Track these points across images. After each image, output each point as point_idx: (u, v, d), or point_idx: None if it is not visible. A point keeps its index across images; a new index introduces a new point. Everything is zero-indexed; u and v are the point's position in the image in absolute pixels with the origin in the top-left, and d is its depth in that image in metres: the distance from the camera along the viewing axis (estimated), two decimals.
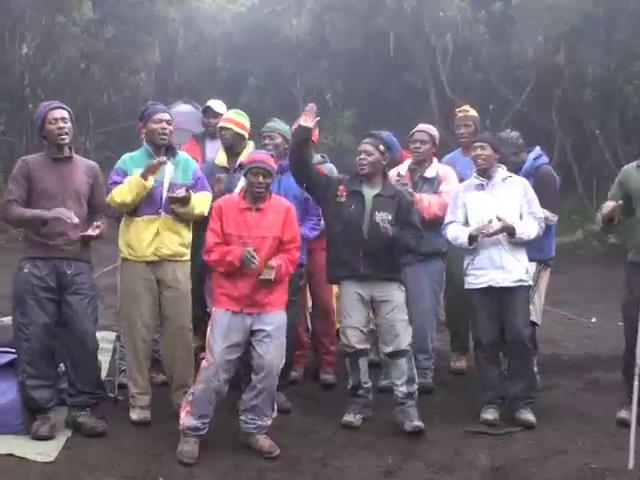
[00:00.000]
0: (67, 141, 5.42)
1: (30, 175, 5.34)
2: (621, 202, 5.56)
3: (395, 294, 5.77)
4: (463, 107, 7.25)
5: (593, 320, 8.82)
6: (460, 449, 5.39)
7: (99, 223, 5.40)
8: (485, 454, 5.30)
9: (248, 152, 6.30)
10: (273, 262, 5.19)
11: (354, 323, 5.75)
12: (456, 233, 5.95)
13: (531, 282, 5.98)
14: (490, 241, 5.83)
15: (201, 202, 5.64)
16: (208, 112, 6.95)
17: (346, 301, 5.80)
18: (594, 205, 13.53)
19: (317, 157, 6.73)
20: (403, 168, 6.51)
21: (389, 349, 5.74)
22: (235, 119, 6.46)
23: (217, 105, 6.95)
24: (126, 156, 5.78)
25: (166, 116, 5.69)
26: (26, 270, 5.32)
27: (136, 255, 5.61)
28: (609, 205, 5.60)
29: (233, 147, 6.34)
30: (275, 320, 5.26)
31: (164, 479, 4.86)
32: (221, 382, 5.14)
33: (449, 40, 14.34)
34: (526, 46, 13.53)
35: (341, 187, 5.79)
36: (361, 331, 5.77)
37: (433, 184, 6.41)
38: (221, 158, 6.39)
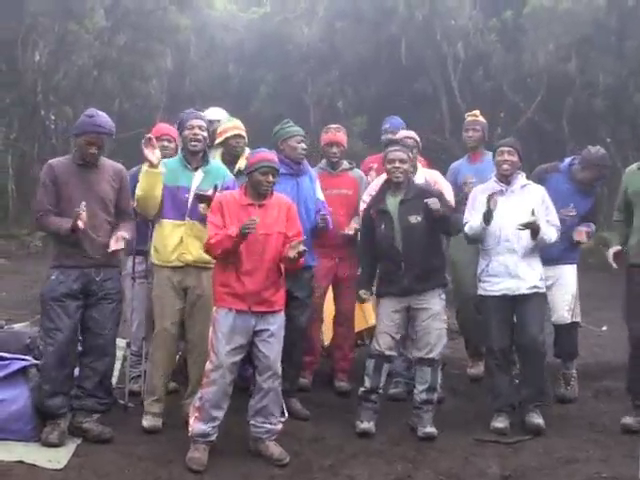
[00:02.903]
0: (93, 163, 5.45)
1: (57, 179, 5.37)
2: (620, 248, 5.78)
3: (434, 301, 5.81)
4: (473, 112, 7.27)
5: (604, 328, 8.79)
6: (470, 457, 5.38)
7: (121, 233, 5.41)
8: (495, 463, 5.29)
9: (245, 157, 6.27)
10: (295, 243, 5.15)
11: (386, 328, 5.80)
12: (470, 224, 5.95)
13: (544, 289, 5.97)
14: (506, 249, 5.83)
15: None
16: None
17: (383, 308, 5.86)
18: (605, 213, 13.50)
19: (345, 163, 6.75)
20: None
21: (419, 354, 5.80)
22: (243, 127, 6.47)
23: (211, 113, 6.79)
24: (161, 162, 5.82)
25: (198, 122, 5.72)
26: (53, 277, 5.36)
27: (161, 260, 5.65)
28: (611, 253, 5.82)
29: (240, 154, 6.35)
30: (278, 320, 5.28)
31: None
32: (228, 383, 5.15)
33: (460, 48, 14.35)
34: (537, 54, 13.53)
35: (372, 211, 5.87)
36: (392, 337, 5.81)
37: None
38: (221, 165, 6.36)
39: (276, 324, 5.26)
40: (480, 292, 6.01)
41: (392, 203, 5.83)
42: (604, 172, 6.43)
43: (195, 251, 5.58)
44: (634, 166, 5.91)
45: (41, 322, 5.45)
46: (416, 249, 5.74)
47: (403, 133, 6.69)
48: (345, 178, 6.67)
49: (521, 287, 5.81)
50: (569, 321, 6.36)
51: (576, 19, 12.97)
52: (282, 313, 5.34)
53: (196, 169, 5.70)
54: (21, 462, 4.99)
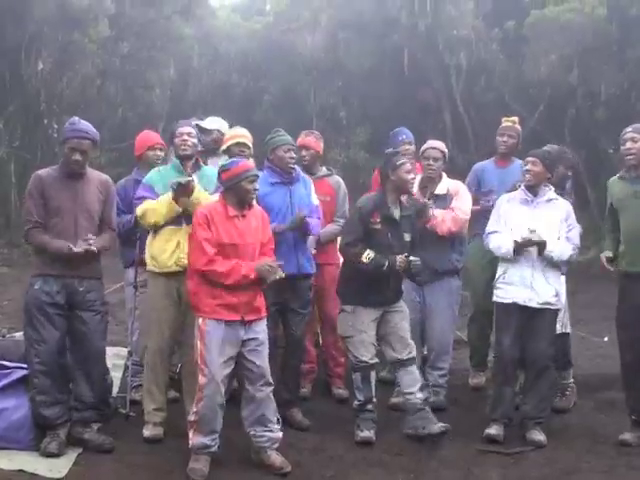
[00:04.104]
0: (78, 171, 5.44)
1: (44, 191, 5.37)
2: (610, 254, 5.81)
3: (403, 304, 5.89)
4: (512, 117, 7.16)
5: (605, 339, 8.77)
6: (472, 468, 5.38)
7: (90, 237, 5.33)
8: (497, 473, 5.30)
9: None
10: (276, 264, 5.19)
11: (368, 338, 5.78)
12: (499, 242, 5.93)
13: (559, 306, 5.97)
14: (524, 259, 5.82)
15: (208, 199, 5.59)
16: (200, 131, 6.59)
17: (362, 318, 5.80)
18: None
19: (323, 170, 6.78)
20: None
21: (402, 356, 5.79)
22: (250, 137, 6.47)
23: (208, 122, 6.82)
24: (154, 171, 5.85)
25: (187, 129, 5.76)
26: (37, 287, 5.34)
27: (159, 266, 5.65)
28: (604, 258, 5.86)
29: None
30: (262, 327, 5.28)
31: None
32: (223, 396, 5.13)
33: (463, 58, 14.35)
34: (539, 65, 13.52)
35: (375, 214, 5.77)
36: (374, 346, 5.80)
37: (445, 201, 6.38)
38: None
39: (263, 332, 5.28)
40: (494, 298, 6.01)
41: (396, 213, 5.82)
42: (567, 164, 6.54)
43: None
44: (615, 177, 5.95)
45: (25, 332, 5.44)
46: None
47: (432, 144, 6.59)
48: (322, 184, 6.67)
49: (532, 299, 5.80)
50: (559, 332, 6.35)
51: (578, 29, 12.96)
52: (265, 319, 5.34)
53: (190, 175, 5.71)
54: (22, 471, 5.00)
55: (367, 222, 5.75)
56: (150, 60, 15.87)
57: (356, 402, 5.85)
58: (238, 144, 6.41)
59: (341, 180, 6.86)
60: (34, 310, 5.31)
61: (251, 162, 6.20)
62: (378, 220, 5.74)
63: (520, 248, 5.80)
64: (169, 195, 5.52)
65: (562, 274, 6.33)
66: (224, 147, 6.51)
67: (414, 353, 5.80)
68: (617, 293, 5.89)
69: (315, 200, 6.21)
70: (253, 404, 5.23)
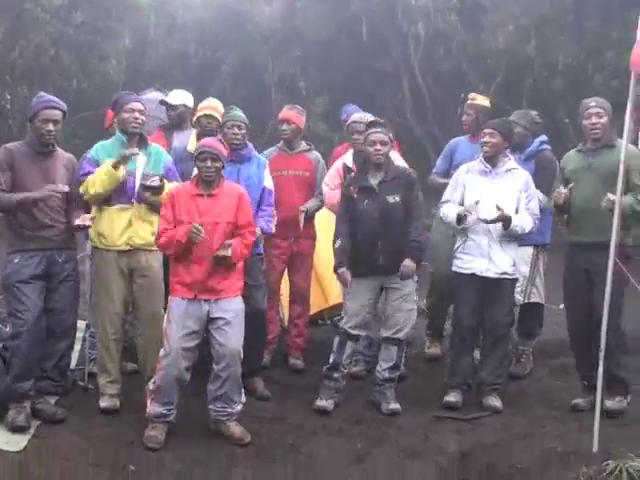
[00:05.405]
0: (51, 143, 5.43)
1: (13, 164, 5.33)
2: (571, 185, 5.71)
3: (405, 282, 5.84)
4: (473, 94, 7.21)
5: (561, 307, 8.88)
6: (430, 434, 5.45)
7: (92, 215, 5.47)
8: (454, 439, 5.38)
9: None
10: (228, 242, 5.19)
11: (358, 308, 5.84)
12: (447, 211, 5.99)
13: (517, 275, 6.03)
14: (481, 229, 5.86)
15: None
16: (166, 106, 6.66)
17: (356, 288, 5.83)
18: None
19: (303, 144, 6.76)
20: (348, 160, 6.49)
21: (386, 334, 5.85)
22: (219, 109, 6.41)
23: (173, 97, 6.70)
24: (98, 145, 5.76)
25: (138, 106, 5.66)
26: (16, 261, 5.33)
27: (107, 244, 5.60)
28: (561, 193, 5.73)
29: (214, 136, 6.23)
30: (233, 307, 5.28)
31: (134, 467, 4.89)
32: (181, 370, 5.16)
33: (421, 28, 14.34)
34: (497, 35, 13.55)
35: (351, 188, 5.87)
36: (362, 318, 5.85)
37: None
38: (193, 145, 6.32)
39: (232, 311, 5.26)
40: (453, 268, 6.06)
41: (374, 182, 5.85)
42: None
43: (144, 234, 5.58)
44: (572, 151, 6.02)
45: (7, 305, 5.41)
46: (392, 228, 5.77)
47: (354, 117, 6.63)
48: (302, 159, 6.68)
49: (490, 270, 5.85)
50: (521, 302, 6.45)
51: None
52: (238, 300, 5.33)
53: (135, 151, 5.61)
54: None
55: (348, 193, 5.87)
56: (105, 30, 15.62)
57: (326, 366, 5.91)
58: (206, 116, 6.35)
59: (319, 155, 6.84)
60: (16, 283, 5.30)
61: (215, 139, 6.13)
62: (356, 189, 5.84)
63: (462, 219, 5.85)
64: (108, 163, 5.46)
65: (531, 245, 6.45)
66: (194, 118, 6.47)
67: (399, 335, 5.83)
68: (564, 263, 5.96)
69: (268, 183, 6.15)
70: (217, 382, 5.27)
